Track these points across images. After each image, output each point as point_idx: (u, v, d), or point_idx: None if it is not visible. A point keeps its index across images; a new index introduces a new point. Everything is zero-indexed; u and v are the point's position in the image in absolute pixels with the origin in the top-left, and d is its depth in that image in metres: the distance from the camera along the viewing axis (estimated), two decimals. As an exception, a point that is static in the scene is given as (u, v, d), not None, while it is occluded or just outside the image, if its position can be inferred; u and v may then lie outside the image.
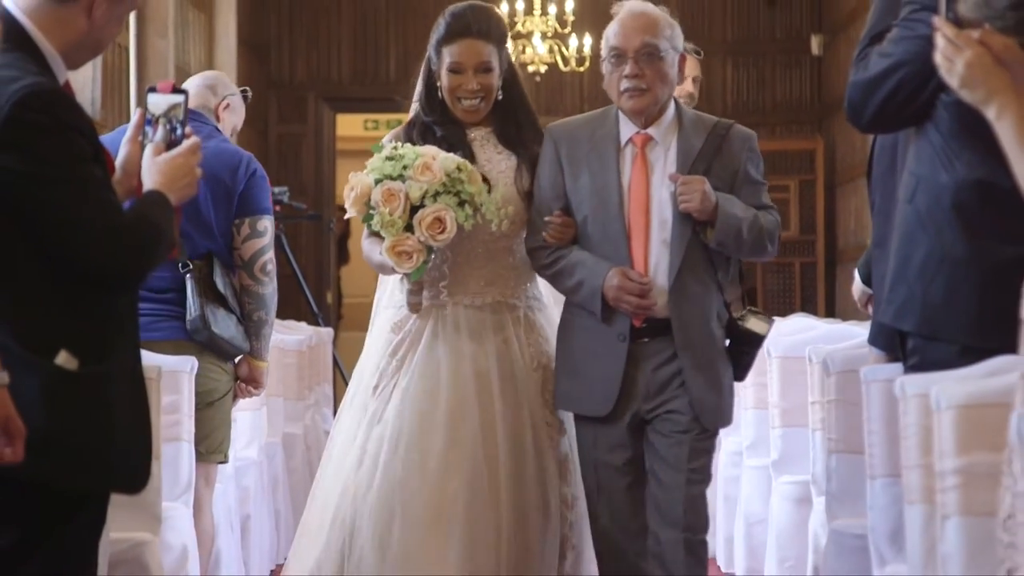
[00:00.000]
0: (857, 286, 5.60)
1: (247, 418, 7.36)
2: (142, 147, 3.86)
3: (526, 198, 4.98)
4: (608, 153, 4.88)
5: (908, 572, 4.17)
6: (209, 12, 14.01)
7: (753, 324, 4.91)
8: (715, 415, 4.92)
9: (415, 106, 5.12)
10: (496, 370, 4.94)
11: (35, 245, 3.54)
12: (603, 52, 4.88)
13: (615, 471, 4.90)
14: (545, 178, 4.93)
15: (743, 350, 4.97)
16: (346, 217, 4.96)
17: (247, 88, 6.62)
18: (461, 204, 4.65)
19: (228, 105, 6.26)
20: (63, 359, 3.53)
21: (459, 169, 4.70)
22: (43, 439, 3.43)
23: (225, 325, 5.64)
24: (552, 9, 13.98)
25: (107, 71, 10.21)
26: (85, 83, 10.13)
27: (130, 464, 3.78)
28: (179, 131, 3.86)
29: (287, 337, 8.46)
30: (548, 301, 5.18)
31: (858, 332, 5.82)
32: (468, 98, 4.97)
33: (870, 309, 5.56)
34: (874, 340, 4.74)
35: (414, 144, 4.90)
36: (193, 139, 3.89)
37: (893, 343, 4.54)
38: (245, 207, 5.81)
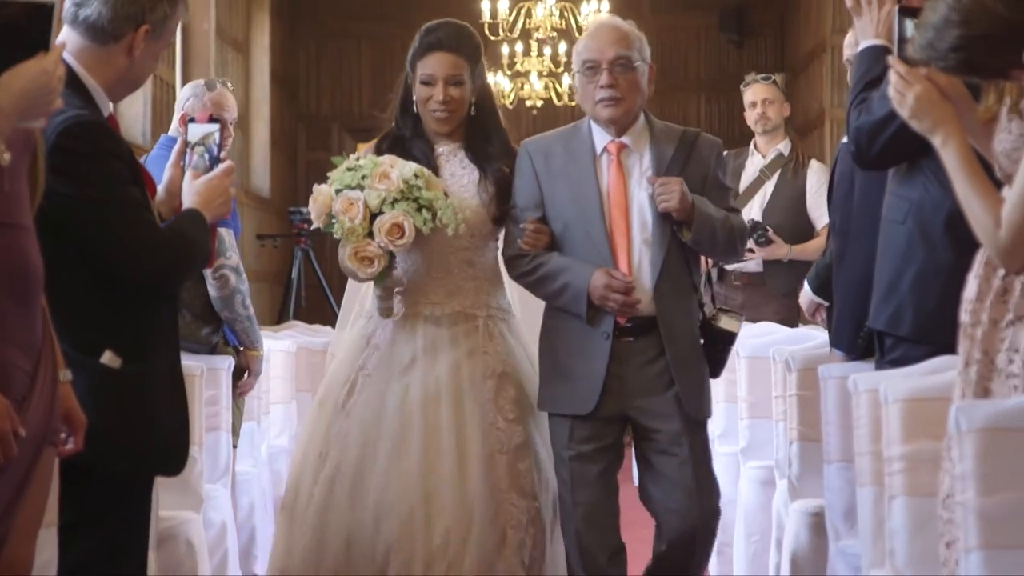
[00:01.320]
0: (807, 296, 5.61)
1: (279, 410, 7.40)
2: (183, 171, 3.88)
3: (487, 210, 4.74)
4: (584, 162, 4.64)
5: (860, 545, 4.18)
6: (245, 53, 14.00)
7: (726, 323, 4.71)
8: (700, 408, 4.71)
9: (394, 114, 4.88)
10: (447, 387, 4.65)
11: (82, 258, 3.58)
12: (576, 66, 4.67)
13: (588, 459, 4.60)
14: (522, 190, 4.69)
15: (718, 348, 4.76)
16: (314, 227, 4.69)
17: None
18: (419, 209, 4.42)
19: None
20: (107, 358, 3.61)
21: (416, 176, 4.47)
22: (91, 429, 3.46)
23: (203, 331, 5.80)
24: (547, 51, 13.99)
25: (156, 105, 10.24)
26: (137, 117, 10.17)
27: (168, 450, 3.85)
28: (215, 155, 3.87)
29: (314, 339, 8.46)
30: (517, 310, 4.96)
31: (815, 335, 5.82)
32: (439, 109, 4.69)
33: (817, 317, 5.58)
34: (836, 344, 4.73)
35: (381, 155, 4.68)
36: (227, 163, 3.91)
37: (854, 345, 4.57)
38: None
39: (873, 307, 4.21)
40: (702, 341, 4.79)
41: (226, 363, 5.60)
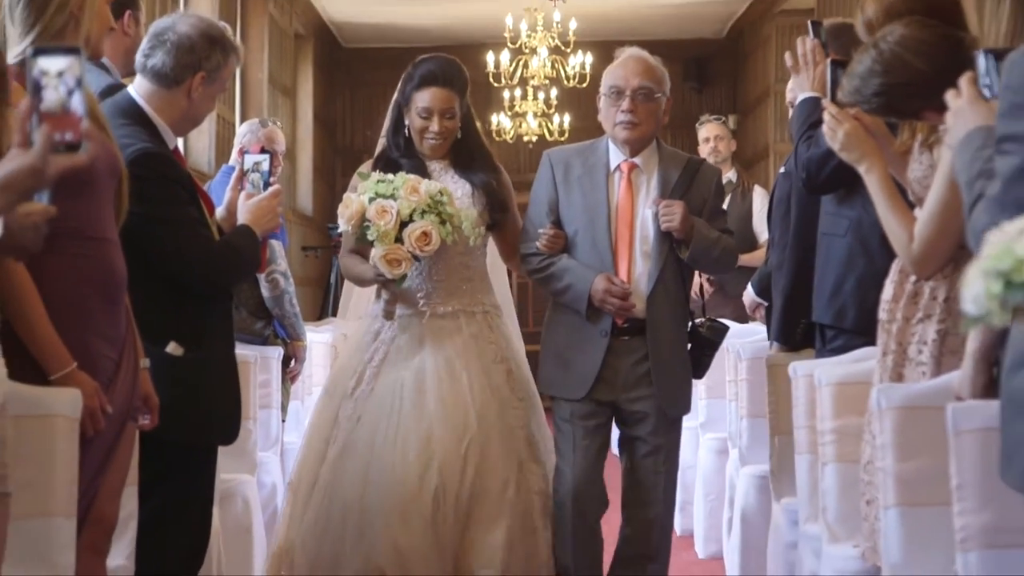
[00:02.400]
0: (749, 296, 5.66)
1: (319, 392, 7.37)
2: (239, 193, 3.90)
3: (480, 219, 4.43)
4: (599, 176, 4.36)
5: (798, 503, 4.18)
6: (292, 97, 14.00)
7: (712, 333, 4.47)
8: (678, 406, 4.42)
9: (382, 141, 4.59)
10: (462, 359, 4.37)
11: (150, 266, 3.61)
12: (603, 88, 4.39)
13: (586, 441, 4.34)
14: (541, 194, 4.44)
15: (704, 353, 4.50)
16: (339, 231, 4.44)
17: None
18: (443, 223, 4.19)
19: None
20: (172, 348, 3.66)
21: (441, 193, 4.24)
22: (161, 407, 3.49)
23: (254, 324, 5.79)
24: (541, 96, 14.01)
25: (218, 140, 10.22)
26: (203, 149, 10.16)
27: (222, 424, 3.88)
28: (266, 180, 3.88)
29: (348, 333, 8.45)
30: (507, 310, 4.68)
31: (760, 330, 5.80)
32: (434, 139, 4.41)
33: (757, 314, 5.59)
34: (776, 337, 4.72)
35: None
36: (275, 187, 3.90)
37: (791, 338, 4.56)
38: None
39: (820, 306, 4.19)
40: (689, 346, 4.53)
41: (276, 352, 5.67)
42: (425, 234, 4.14)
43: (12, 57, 3.08)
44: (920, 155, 3.35)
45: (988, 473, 2.72)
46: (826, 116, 3.43)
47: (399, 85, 4.47)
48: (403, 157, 4.43)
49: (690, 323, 4.44)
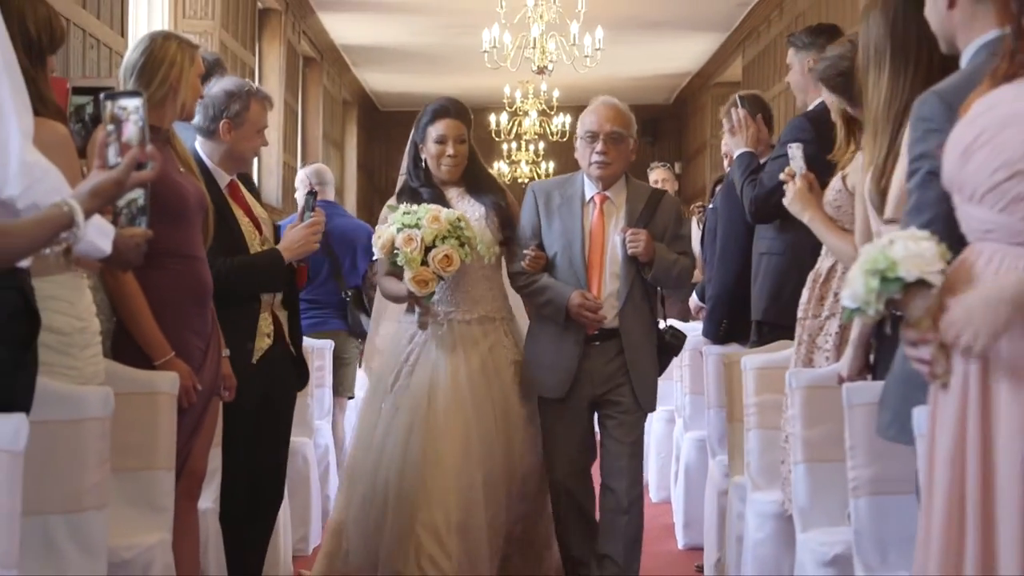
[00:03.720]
0: (694, 301, 5.66)
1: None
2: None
3: (495, 238, 4.10)
4: (575, 206, 4.02)
5: (728, 460, 4.18)
6: (341, 149, 14.03)
7: (673, 340, 4.12)
8: (648, 400, 4.02)
9: (402, 177, 4.23)
10: (482, 367, 4.04)
11: None
12: (579, 131, 4.06)
13: (572, 435, 3.99)
14: (526, 221, 4.09)
15: (666, 355, 4.13)
16: (374, 259, 4.10)
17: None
18: (462, 245, 3.91)
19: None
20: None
21: (459, 220, 3.94)
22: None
23: (364, 322, 5.57)
24: (531, 147, 14.04)
25: (284, 182, 10.16)
26: (273, 188, 10.05)
27: (280, 398, 3.79)
28: (309, 212, 3.78)
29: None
30: (517, 315, 4.27)
31: (698, 327, 5.80)
32: (450, 162, 4.07)
33: (700, 315, 5.60)
34: (706, 333, 4.69)
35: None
36: (315, 218, 3.76)
37: (716, 335, 4.55)
38: (369, 257, 5.73)
39: (761, 307, 4.11)
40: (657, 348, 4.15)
41: (328, 344, 5.55)
42: (447, 257, 3.90)
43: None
44: (836, 182, 3.38)
45: (874, 437, 2.73)
46: (782, 176, 3.49)
47: (413, 127, 4.21)
48: (423, 186, 4.13)
49: (657, 330, 4.11)
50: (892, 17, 2.62)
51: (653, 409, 4.08)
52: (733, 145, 4.33)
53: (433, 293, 3.96)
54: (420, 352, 4.04)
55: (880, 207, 2.65)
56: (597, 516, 4.02)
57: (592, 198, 4.03)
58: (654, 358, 4.04)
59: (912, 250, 1.84)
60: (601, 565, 3.93)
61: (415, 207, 3.97)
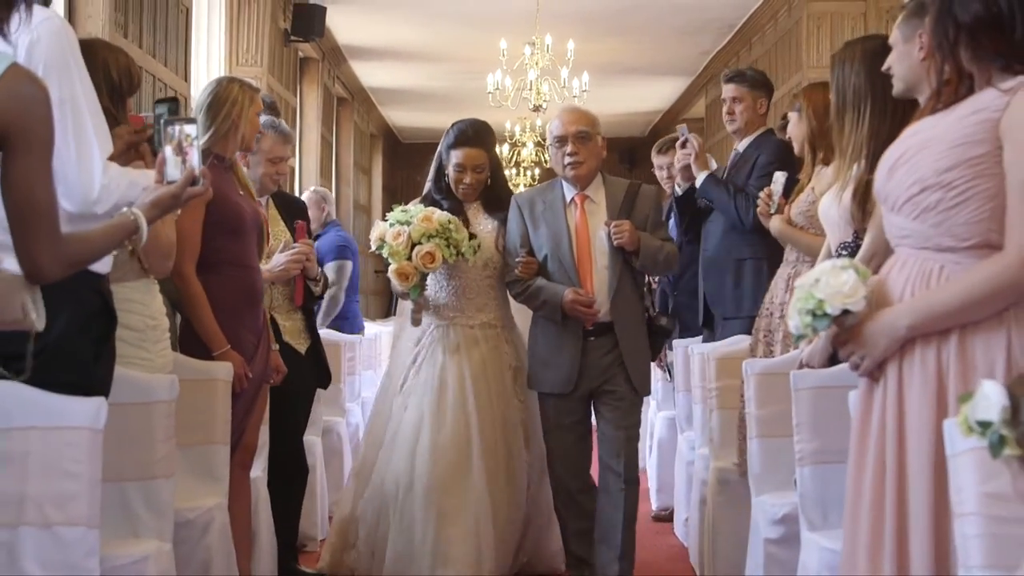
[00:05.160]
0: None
1: (383, 369, 7.29)
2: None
3: (503, 250, 3.80)
4: (558, 210, 3.64)
5: (695, 436, 4.15)
6: (368, 174, 13.99)
7: (664, 323, 3.76)
8: (645, 385, 3.66)
9: (428, 184, 3.89)
10: (483, 367, 3.75)
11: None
12: (548, 140, 3.73)
13: (568, 430, 3.62)
14: (513, 231, 3.71)
15: (657, 341, 3.76)
16: (371, 250, 3.78)
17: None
18: (448, 246, 3.61)
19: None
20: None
21: (449, 222, 3.63)
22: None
23: None
24: (529, 173, 14.04)
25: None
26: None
27: (312, 378, 3.80)
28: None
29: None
30: (517, 322, 3.92)
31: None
32: (467, 189, 3.78)
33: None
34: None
35: None
36: (300, 249, 3.66)
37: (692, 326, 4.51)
38: None
39: (749, 306, 4.01)
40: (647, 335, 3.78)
41: (359, 339, 5.54)
42: (429, 254, 3.59)
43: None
44: (807, 194, 3.43)
45: (816, 415, 2.73)
46: (774, 220, 3.53)
47: (441, 140, 3.85)
48: (444, 199, 3.80)
49: (646, 317, 3.74)
50: (870, 68, 2.61)
51: (648, 392, 3.75)
52: (697, 168, 4.30)
53: (418, 289, 3.65)
54: (426, 354, 3.77)
55: (861, 220, 2.69)
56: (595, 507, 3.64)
57: (573, 199, 3.66)
58: (646, 345, 3.69)
59: (834, 286, 1.86)
60: (600, 549, 3.59)
61: (410, 207, 3.72)
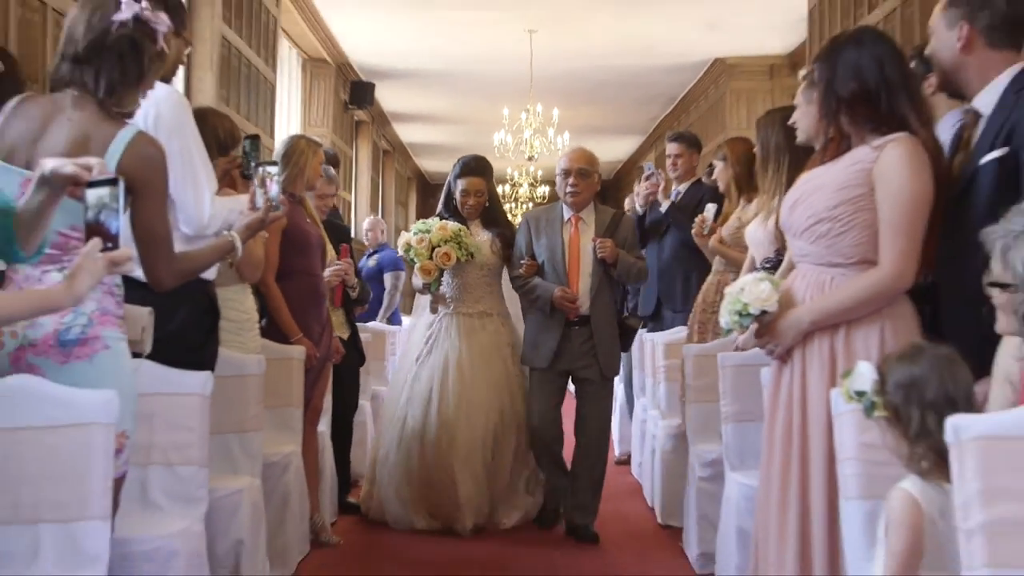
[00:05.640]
0: None
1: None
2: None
3: (496, 256, 3.68)
4: (557, 226, 3.57)
5: (647, 401, 4.10)
6: (405, 207, 13.97)
7: (632, 322, 3.67)
8: (612, 369, 3.52)
9: (439, 207, 3.78)
10: (484, 346, 3.62)
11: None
12: (557, 169, 3.62)
13: (548, 395, 3.52)
14: (521, 240, 3.60)
15: (627, 336, 3.65)
16: (399, 255, 3.67)
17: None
18: (460, 247, 3.55)
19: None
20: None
21: (460, 231, 3.57)
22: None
23: None
24: (524, 206, 13.99)
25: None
26: (362, 234, 9.60)
27: (351, 358, 3.66)
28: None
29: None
30: (513, 313, 3.77)
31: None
32: (469, 209, 3.68)
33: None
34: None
35: None
36: (341, 266, 3.46)
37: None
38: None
39: (680, 300, 3.99)
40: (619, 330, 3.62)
41: (396, 329, 5.42)
42: (447, 254, 3.53)
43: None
44: (734, 220, 3.44)
45: (737, 386, 2.73)
46: (712, 240, 3.49)
47: (450, 172, 3.76)
48: (451, 217, 3.71)
49: (618, 316, 3.64)
50: (787, 131, 2.54)
51: (617, 373, 3.61)
52: (663, 197, 4.25)
53: (438, 282, 3.57)
54: (436, 337, 3.63)
55: (781, 241, 2.68)
56: (566, 458, 3.58)
57: (569, 219, 3.60)
58: (616, 337, 3.55)
59: (755, 293, 1.89)
60: (573, 494, 3.51)
61: (431, 221, 3.65)
